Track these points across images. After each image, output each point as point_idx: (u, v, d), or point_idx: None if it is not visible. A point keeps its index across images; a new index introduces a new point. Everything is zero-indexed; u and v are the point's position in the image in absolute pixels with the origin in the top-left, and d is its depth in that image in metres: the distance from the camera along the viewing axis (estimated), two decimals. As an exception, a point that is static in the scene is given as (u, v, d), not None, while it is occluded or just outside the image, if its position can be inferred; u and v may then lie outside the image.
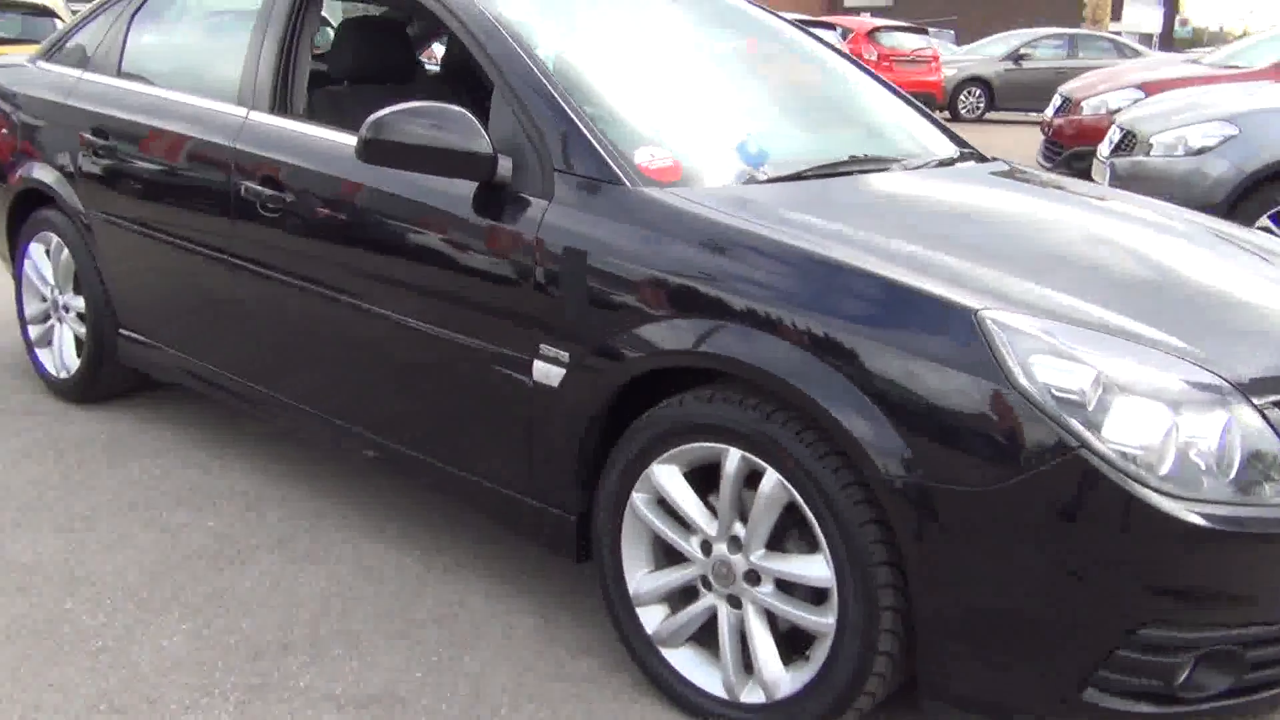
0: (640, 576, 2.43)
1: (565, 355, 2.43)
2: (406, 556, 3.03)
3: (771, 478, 2.15)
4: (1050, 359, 1.90)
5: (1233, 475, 1.88)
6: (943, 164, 3.05)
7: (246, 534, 3.15)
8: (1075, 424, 1.85)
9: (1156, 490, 1.82)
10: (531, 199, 2.51)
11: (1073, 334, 1.95)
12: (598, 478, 2.47)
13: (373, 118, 2.53)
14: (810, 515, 2.10)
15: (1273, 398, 1.98)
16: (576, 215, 2.44)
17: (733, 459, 2.20)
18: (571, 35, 2.97)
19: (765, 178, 2.58)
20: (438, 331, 2.67)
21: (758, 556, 2.21)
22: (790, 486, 2.12)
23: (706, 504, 2.31)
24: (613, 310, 2.35)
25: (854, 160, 2.81)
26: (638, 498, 2.38)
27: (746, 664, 2.27)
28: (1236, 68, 8.65)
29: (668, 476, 2.32)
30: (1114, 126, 7.20)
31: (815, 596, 2.17)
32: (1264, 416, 1.94)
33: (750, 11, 3.49)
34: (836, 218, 2.39)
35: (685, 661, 2.38)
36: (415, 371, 2.79)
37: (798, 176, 2.65)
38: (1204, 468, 1.87)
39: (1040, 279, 2.16)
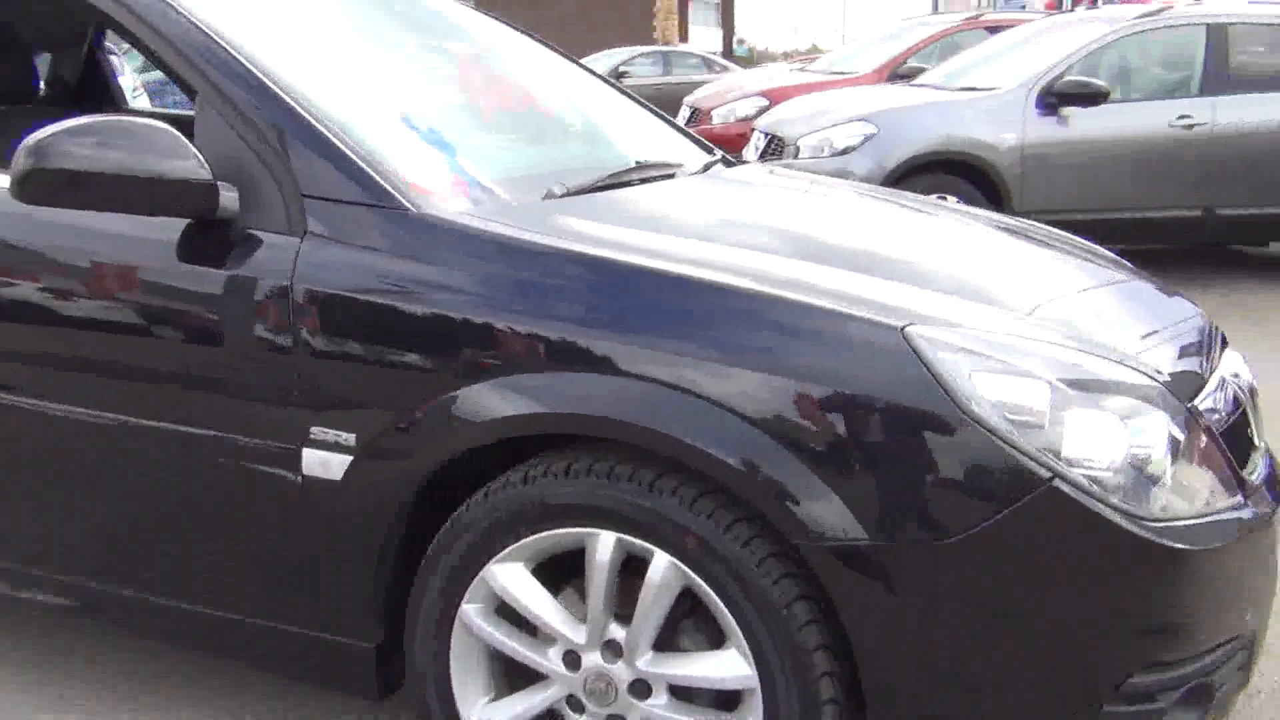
0: (481, 709, 1.90)
1: (349, 438, 1.85)
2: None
3: (661, 562, 1.71)
4: (994, 377, 1.61)
5: (1179, 484, 1.68)
6: (711, 167, 2.74)
7: None
8: (1039, 451, 1.57)
9: (1131, 515, 1.59)
10: (273, 236, 1.90)
11: (1003, 344, 1.68)
12: (404, 590, 1.91)
13: (30, 141, 1.81)
14: (717, 601, 1.68)
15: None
16: (344, 253, 1.86)
17: (604, 545, 1.74)
18: (294, 35, 2.33)
19: (563, 192, 2.13)
20: (157, 428, 1.98)
21: (646, 661, 1.76)
22: (687, 569, 1.69)
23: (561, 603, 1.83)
24: (414, 371, 1.80)
25: (640, 167, 2.42)
26: (470, 609, 1.85)
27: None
28: (844, 73, 9.23)
29: (511, 577, 1.81)
30: (756, 133, 7.36)
31: (725, 701, 1.76)
32: (1191, 413, 1.77)
33: (475, 19, 2.98)
34: (674, 232, 2.00)
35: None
36: (129, 485, 2.06)
37: (596, 188, 2.22)
38: (1157, 481, 1.66)
39: (915, 283, 1.88)
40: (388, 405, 1.82)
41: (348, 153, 1.91)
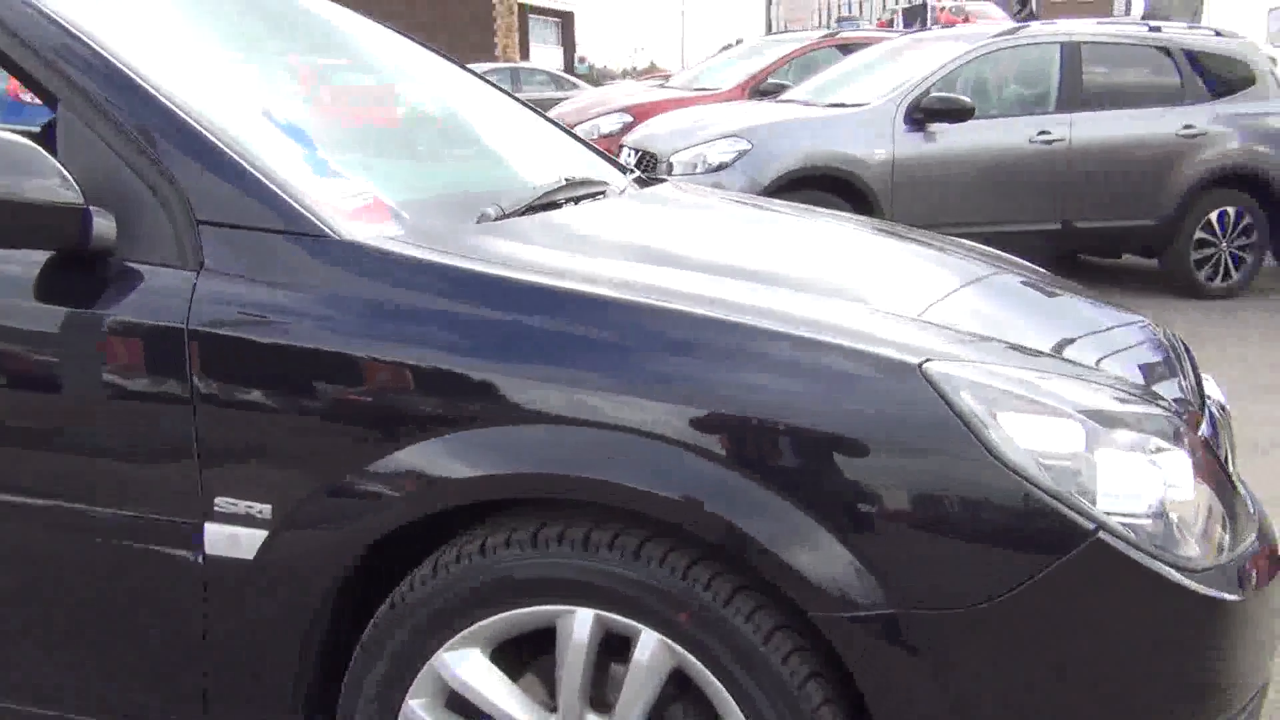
0: (430, 819, 1.62)
1: (263, 509, 1.55)
2: None
3: (649, 641, 1.47)
4: (1022, 416, 1.44)
5: (1204, 527, 1.55)
6: (640, 184, 2.52)
7: None
8: (1080, 499, 1.40)
9: (1177, 566, 1.43)
10: (161, 271, 1.59)
11: (1022, 378, 1.51)
12: (333, 687, 1.62)
13: None
14: (716, 685, 1.46)
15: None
16: (251, 289, 1.56)
17: (581, 624, 1.49)
18: (172, 37, 1.99)
19: (498, 214, 1.87)
20: (25, 504, 1.63)
21: (630, 756, 1.52)
22: (679, 648, 1.47)
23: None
24: (345, 427, 1.52)
25: (571, 185, 2.18)
26: (415, 705, 1.57)
27: None
28: (707, 89, 9.16)
29: (466, 666, 1.55)
30: (625, 149, 7.18)
31: (724, 796, 1.54)
32: (1206, 446, 1.64)
33: (371, 28, 2.67)
34: (630, 257, 1.78)
35: None
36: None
37: (531, 209, 1.97)
38: (1186, 525, 1.51)
39: (908, 307, 1.71)
40: (312, 469, 1.53)
41: (253, 170, 1.61)
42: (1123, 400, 1.55)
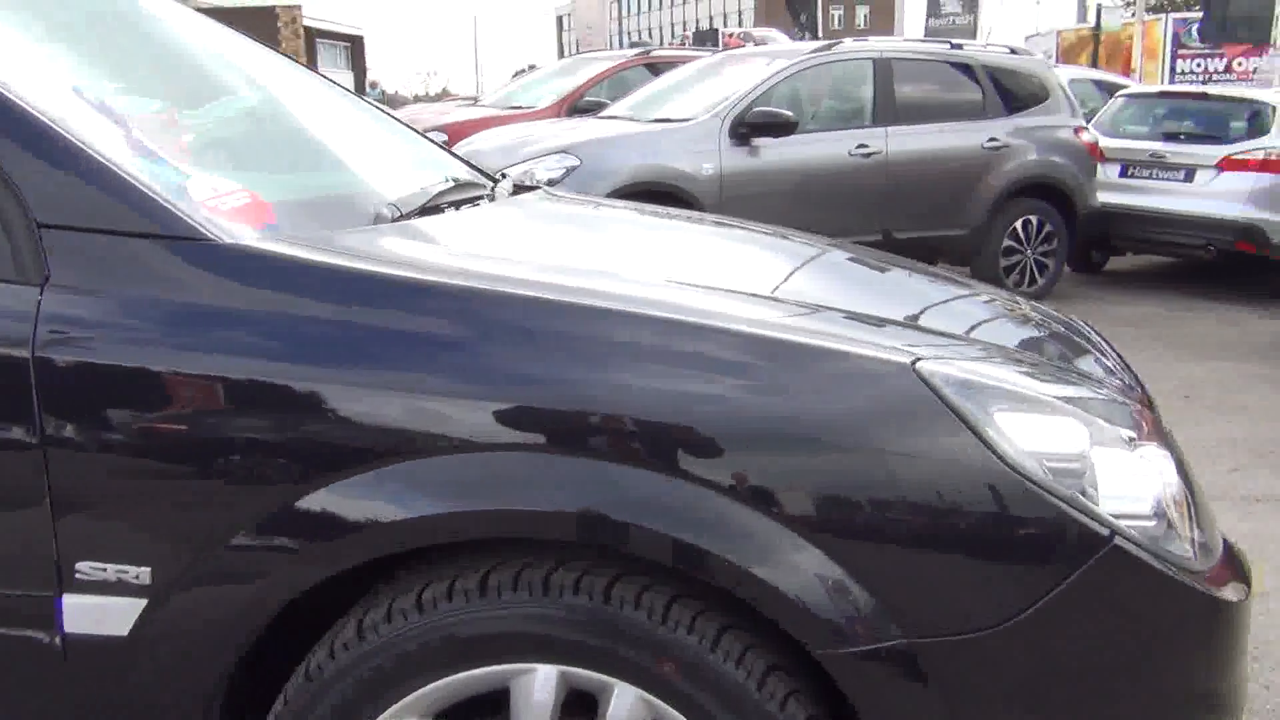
0: None
1: (140, 574, 1.27)
2: None
3: (626, 697, 1.27)
4: (1020, 416, 1.32)
5: (1181, 526, 1.47)
6: (518, 190, 2.31)
7: None
8: (1091, 504, 1.29)
9: (1187, 570, 1.34)
10: (-9, 287, 1.28)
11: (1015, 375, 1.39)
12: (232, 778, 1.35)
13: None
14: (703, 739, 1.27)
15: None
16: (110, 305, 1.28)
17: (542, 684, 1.27)
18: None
19: (395, 215, 1.63)
20: None
21: (604, 832, 1.31)
22: (660, 703, 1.27)
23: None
24: (245, 468, 1.26)
25: (458, 187, 1.95)
26: (337, 794, 1.32)
27: None
28: (521, 108, 8.95)
29: (401, 742, 1.30)
30: (447, 167, 6.90)
31: None
32: (1170, 438, 1.57)
33: (222, 33, 2.34)
34: (550, 259, 1.58)
35: None
36: None
37: (425, 211, 1.73)
38: (1172, 524, 1.42)
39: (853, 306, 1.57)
40: (200, 524, 1.26)
41: (109, 164, 1.32)
42: (1093, 390, 1.46)
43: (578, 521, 1.22)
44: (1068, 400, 1.37)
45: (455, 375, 1.26)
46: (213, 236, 1.32)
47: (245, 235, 1.35)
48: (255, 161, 1.75)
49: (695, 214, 2.69)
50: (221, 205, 1.41)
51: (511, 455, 1.24)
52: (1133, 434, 1.43)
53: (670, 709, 1.26)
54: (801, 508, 1.23)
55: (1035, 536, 1.26)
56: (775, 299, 1.55)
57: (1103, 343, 1.96)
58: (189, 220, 1.32)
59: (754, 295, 1.54)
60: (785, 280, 1.77)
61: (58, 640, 1.28)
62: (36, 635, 1.28)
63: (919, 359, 1.31)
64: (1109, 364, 1.79)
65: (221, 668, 1.28)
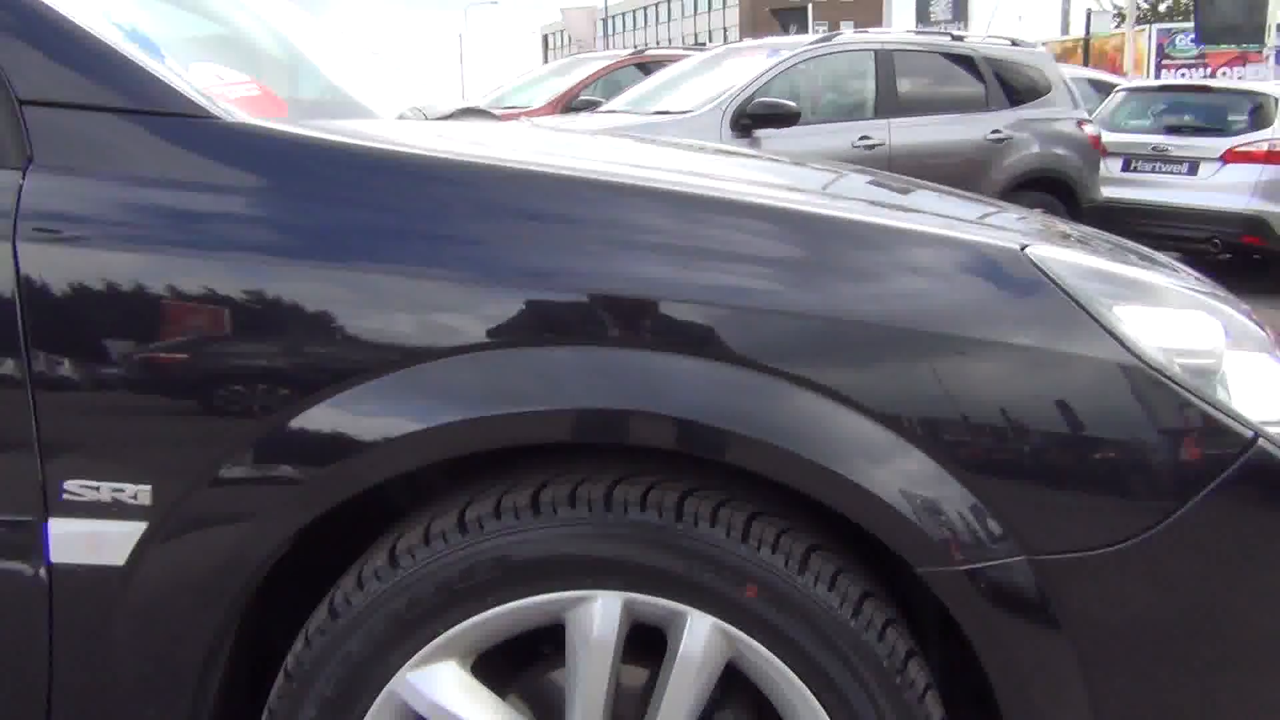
0: None
1: (138, 493, 1.10)
2: None
3: (701, 628, 1.10)
4: (1147, 308, 1.16)
5: None
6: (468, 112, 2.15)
7: None
8: (1232, 404, 1.13)
9: None
10: (-35, 169, 1.12)
11: (1129, 267, 1.24)
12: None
13: None
14: (790, 678, 1.10)
15: None
16: (103, 188, 1.11)
17: (605, 615, 1.10)
18: None
19: (417, 118, 1.47)
20: None
21: (673, 786, 1.14)
22: (740, 633, 1.10)
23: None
24: (262, 371, 1.09)
25: (471, 110, 1.79)
26: (369, 746, 1.14)
27: None
28: (518, 107, 8.82)
29: (440, 684, 1.13)
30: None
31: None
32: None
33: None
34: (599, 156, 1.42)
35: None
36: None
37: (441, 119, 1.57)
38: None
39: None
40: (207, 436, 1.09)
41: (100, 37, 1.16)
42: (1213, 287, 1.31)
43: (676, 427, 1.06)
44: (1196, 294, 1.22)
45: (479, 268, 1.09)
46: (217, 114, 1.15)
47: (256, 116, 1.19)
48: (264, 73, 1.59)
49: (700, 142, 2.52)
50: (229, 93, 1.24)
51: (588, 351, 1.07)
52: (1268, 335, 1.28)
53: (754, 641, 1.09)
54: (902, 407, 1.07)
55: (1172, 437, 1.10)
56: (833, 195, 1.40)
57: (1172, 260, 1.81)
58: (192, 98, 1.15)
59: (808, 193, 1.39)
60: (825, 188, 1.62)
61: (43, 573, 1.11)
62: (17, 567, 1.11)
63: (1027, 244, 1.15)
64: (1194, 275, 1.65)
65: (231, 601, 1.11)
